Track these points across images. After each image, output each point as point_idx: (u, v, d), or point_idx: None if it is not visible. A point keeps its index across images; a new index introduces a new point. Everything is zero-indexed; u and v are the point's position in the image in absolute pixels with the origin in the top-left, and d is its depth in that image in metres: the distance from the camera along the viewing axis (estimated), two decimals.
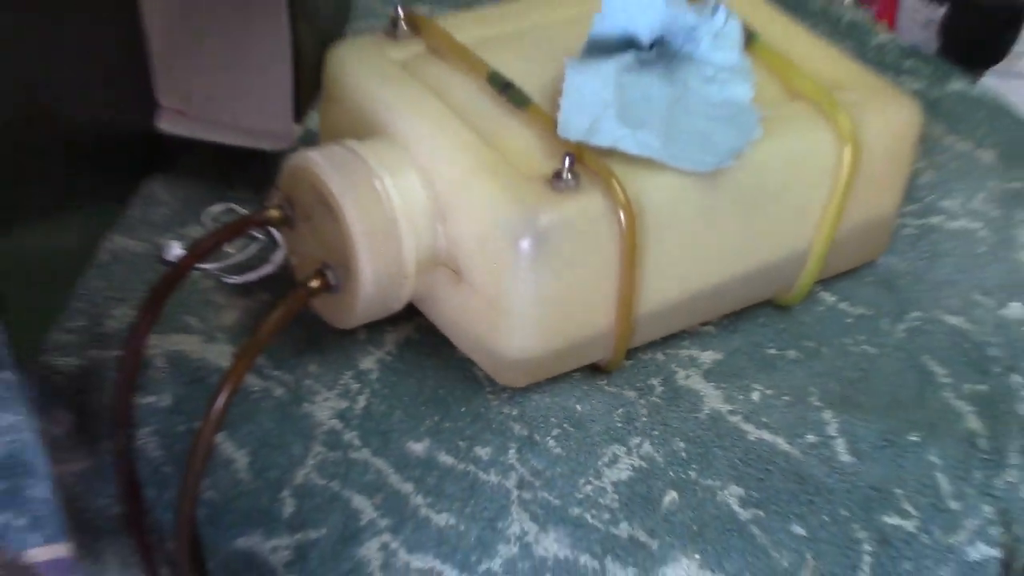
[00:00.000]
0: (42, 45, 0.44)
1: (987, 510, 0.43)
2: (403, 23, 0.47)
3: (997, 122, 0.64)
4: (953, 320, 0.51)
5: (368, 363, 0.46)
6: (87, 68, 0.47)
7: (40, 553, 0.52)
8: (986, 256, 0.55)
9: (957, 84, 0.68)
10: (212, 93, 0.51)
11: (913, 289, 0.53)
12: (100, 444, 0.46)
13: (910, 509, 0.42)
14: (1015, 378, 0.48)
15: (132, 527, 0.46)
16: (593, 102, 0.43)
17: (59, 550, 0.49)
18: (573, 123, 0.42)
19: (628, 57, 0.44)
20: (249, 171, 0.51)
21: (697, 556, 0.40)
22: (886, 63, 0.69)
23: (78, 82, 0.47)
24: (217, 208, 0.51)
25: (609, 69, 0.44)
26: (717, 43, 0.45)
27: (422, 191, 0.42)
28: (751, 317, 0.50)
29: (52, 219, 0.47)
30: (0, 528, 0.56)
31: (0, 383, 0.45)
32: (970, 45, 0.80)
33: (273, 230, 0.49)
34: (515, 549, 0.40)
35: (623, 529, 0.41)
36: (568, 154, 0.41)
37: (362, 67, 0.46)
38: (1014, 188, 0.60)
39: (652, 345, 0.48)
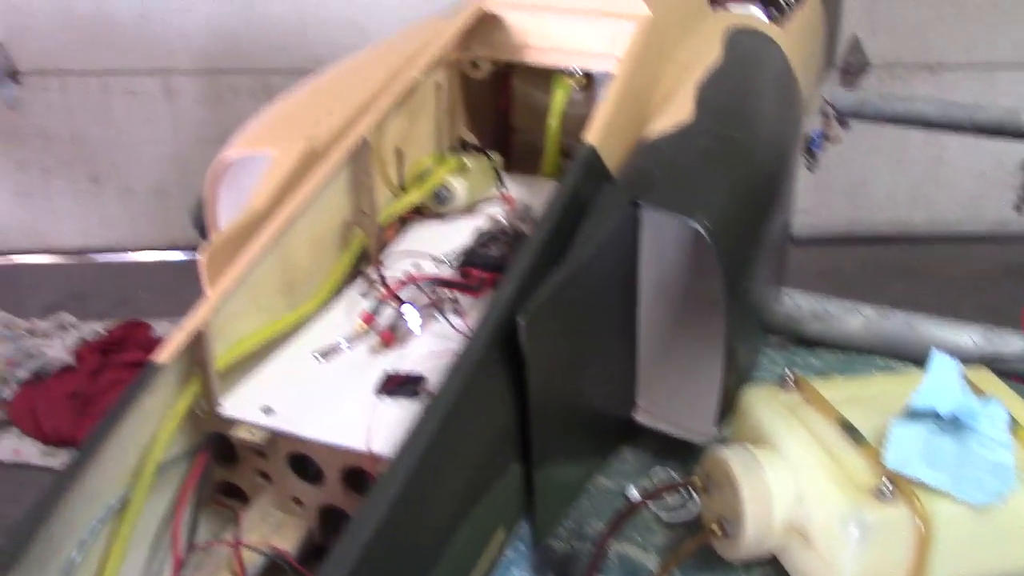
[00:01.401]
0: (602, 366, 0.78)
1: None
2: (791, 382, 0.77)
3: None
4: None
5: None
6: (615, 385, 0.81)
7: None
8: None
9: None
10: (666, 396, 0.83)
11: None
12: None
13: None
14: None
15: None
16: (907, 448, 0.69)
17: None
18: (893, 458, 0.69)
19: (932, 423, 0.71)
20: (682, 450, 0.82)
21: None
22: None
23: (611, 394, 0.81)
24: (659, 471, 0.82)
25: (920, 429, 0.70)
26: (991, 423, 0.70)
27: (791, 484, 0.70)
28: None
29: (574, 462, 0.80)
30: None
31: (523, 551, 0.76)
32: None
33: (693, 492, 0.78)
34: None
35: None
36: (888, 477, 0.67)
37: (763, 404, 0.76)
38: None
39: None
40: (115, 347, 2.56)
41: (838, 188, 3.73)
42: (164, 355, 0.63)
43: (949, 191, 3.75)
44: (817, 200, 3.70)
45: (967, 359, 0.88)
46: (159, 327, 2.61)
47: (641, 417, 0.83)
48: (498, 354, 0.64)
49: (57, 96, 3.03)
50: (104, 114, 3.19)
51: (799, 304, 1.01)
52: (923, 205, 3.78)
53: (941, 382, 0.71)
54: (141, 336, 2.59)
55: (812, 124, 1.42)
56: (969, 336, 0.96)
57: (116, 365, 2.46)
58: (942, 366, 0.72)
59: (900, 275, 3.05)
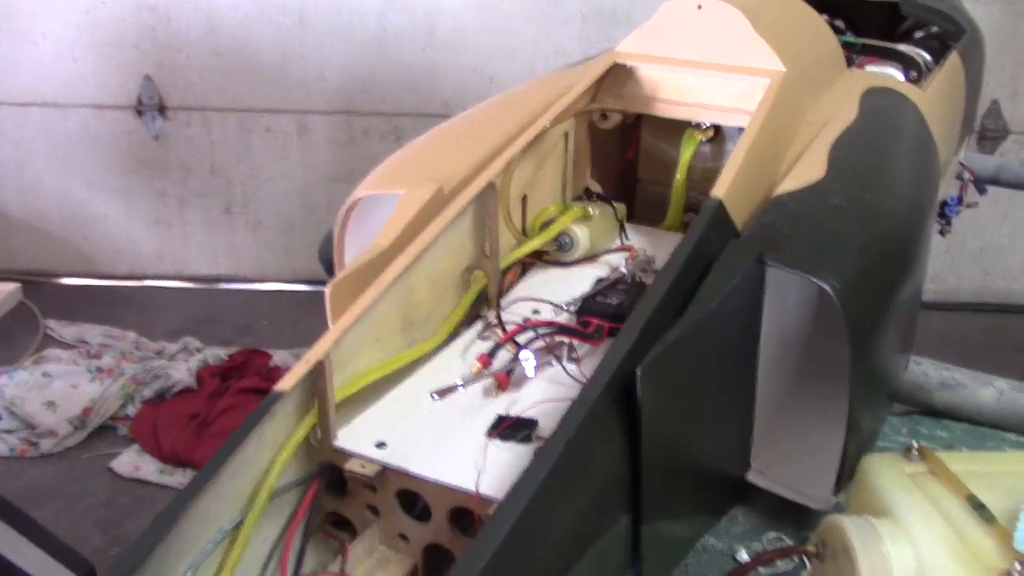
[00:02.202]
0: (718, 423, 0.76)
1: None
2: (916, 453, 0.74)
3: None
4: None
5: None
6: (729, 441, 0.80)
7: None
8: None
9: None
10: (783, 458, 0.80)
11: None
12: None
13: None
14: None
15: None
16: None
17: None
18: None
19: None
20: (796, 515, 0.79)
21: None
22: None
23: (724, 450, 0.79)
24: (771, 534, 0.79)
25: None
26: None
27: (912, 559, 0.67)
28: None
29: (685, 519, 0.78)
30: None
31: None
32: None
33: (806, 559, 0.75)
34: None
35: None
36: (1020, 562, 0.63)
37: (885, 473, 0.73)
38: None
39: None
40: (234, 372, 2.63)
41: (970, 254, 3.60)
42: (286, 383, 0.64)
43: None
44: (946, 264, 3.58)
45: None
46: (277, 356, 2.68)
47: (755, 478, 0.81)
48: (614, 405, 0.64)
49: (198, 131, 3.17)
50: (241, 150, 3.32)
51: (927, 372, 0.97)
52: None
53: None
54: (260, 363, 2.67)
55: (948, 188, 1.38)
56: None
57: (234, 390, 2.53)
58: None
59: None
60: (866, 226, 0.80)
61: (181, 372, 2.59)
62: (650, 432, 0.64)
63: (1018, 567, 0.63)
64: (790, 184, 0.82)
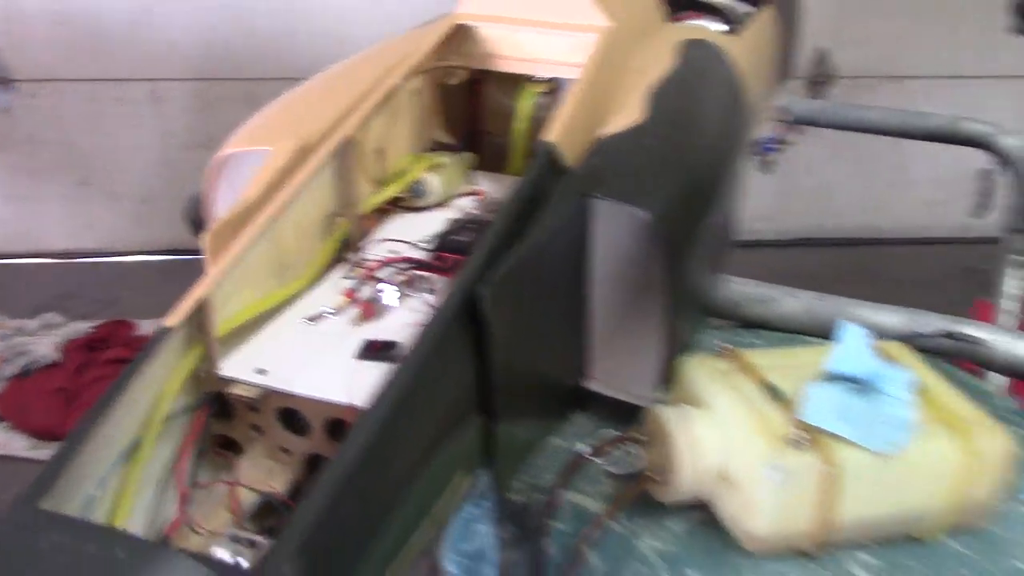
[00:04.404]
0: (556, 337, 0.88)
1: None
2: (724, 353, 0.87)
3: None
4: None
5: (676, 526, 0.83)
6: (568, 354, 0.91)
7: None
8: None
9: None
10: (614, 367, 0.93)
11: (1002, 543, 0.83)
12: (525, 545, 0.85)
13: None
14: None
15: None
16: (822, 405, 0.80)
17: None
18: (810, 414, 0.79)
19: (845, 385, 0.81)
20: (628, 415, 0.91)
21: None
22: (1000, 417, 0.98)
23: (565, 362, 0.91)
24: (607, 431, 0.92)
25: (834, 390, 0.81)
26: (898, 385, 0.80)
27: (720, 437, 0.80)
28: (900, 544, 0.82)
29: (535, 424, 0.89)
30: None
31: (487, 507, 0.86)
32: None
33: (636, 446, 0.88)
34: None
35: None
36: (803, 429, 0.77)
37: (697, 370, 0.86)
38: None
39: (838, 547, 0.81)
40: (100, 345, 2.63)
41: (804, 194, 3.85)
42: (173, 320, 0.72)
43: (911, 197, 3.88)
44: (783, 204, 3.82)
45: (890, 337, 0.99)
46: (142, 326, 2.69)
47: (592, 385, 0.93)
48: (462, 321, 0.74)
49: (47, 102, 3.11)
50: (93, 120, 3.27)
51: (743, 290, 1.12)
52: (886, 211, 3.90)
53: (850, 349, 0.82)
54: (125, 334, 2.68)
55: (767, 129, 1.53)
56: (893, 317, 1.07)
57: (101, 362, 2.54)
58: (851, 336, 0.82)
59: (863, 276, 3.17)
60: (677, 162, 0.92)
61: (45, 347, 2.57)
62: (495, 342, 0.75)
63: (802, 434, 0.77)
64: (612, 128, 0.94)
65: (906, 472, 0.79)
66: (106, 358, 2.53)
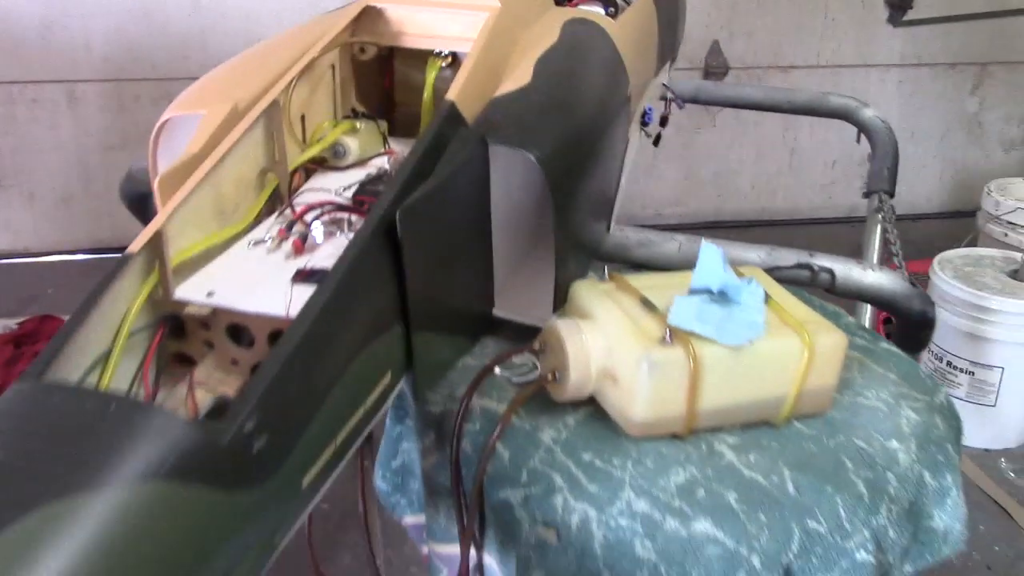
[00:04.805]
0: (464, 268, 1.02)
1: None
2: (607, 276, 1.02)
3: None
4: (859, 443, 0.97)
5: (570, 419, 0.98)
6: (476, 283, 1.06)
7: (411, 520, 1.07)
8: (881, 416, 1.00)
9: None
10: (517, 295, 1.07)
11: (841, 425, 0.99)
12: (445, 449, 0.99)
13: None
14: (887, 474, 0.93)
15: (454, 490, 0.98)
16: (687, 312, 0.95)
17: (420, 518, 1.02)
18: (676, 319, 0.95)
19: (706, 296, 0.97)
20: (529, 335, 1.06)
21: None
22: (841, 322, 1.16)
23: (473, 289, 1.05)
24: (508, 346, 1.06)
25: (695, 299, 0.96)
26: (750, 296, 0.97)
27: (603, 342, 0.95)
28: (757, 428, 0.98)
29: (449, 341, 1.04)
30: (394, 505, 1.13)
31: (410, 424, 0.99)
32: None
33: (535, 357, 1.02)
34: (623, 505, 0.89)
35: (677, 500, 0.89)
36: (670, 331, 0.93)
37: (585, 290, 1.01)
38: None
39: (706, 430, 0.97)
40: (27, 339, 2.69)
41: (706, 180, 4.07)
42: (133, 247, 0.84)
43: (805, 182, 4.12)
44: (687, 190, 4.03)
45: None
46: None
47: (499, 312, 1.08)
48: (381, 241, 0.88)
49: None
50: (7, 121, 3.31)
51: (628, 235, 1.27)
52: (781, 194, 4.15)
53: (709, 266, 0.98)
54: (52, 328, 2.74)
55: (652, 104, 1.69)
56: (757, 254, 1.24)
57: (29, 355, 2.59)
58: (709, 253, 0.98)
59: None
60: (561, 116, 1.08)
61: None
62: (409, 258, 0.89)
63: (668, 334, 0.93)
64: (504, 89, 1.09)
65: (757, 364, 0.95)
66: (34, 351, 2.59)
